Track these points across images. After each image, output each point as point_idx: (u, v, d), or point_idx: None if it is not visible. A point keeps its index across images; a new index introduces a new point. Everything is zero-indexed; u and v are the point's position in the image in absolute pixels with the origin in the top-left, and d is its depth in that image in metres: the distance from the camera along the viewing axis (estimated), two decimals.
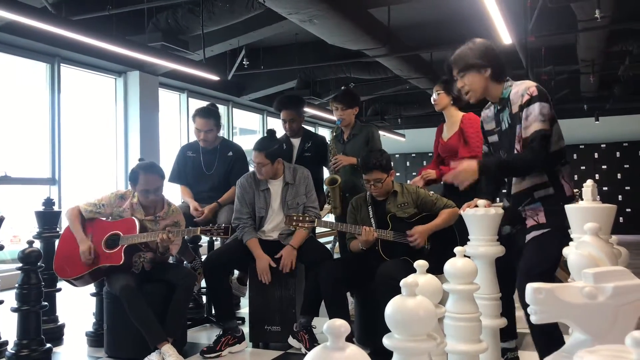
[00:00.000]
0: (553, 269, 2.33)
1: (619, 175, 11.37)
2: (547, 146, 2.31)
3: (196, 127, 3.94)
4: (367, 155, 3.35)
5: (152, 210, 3.34)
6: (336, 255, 5.14)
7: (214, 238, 3.72)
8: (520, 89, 2.40)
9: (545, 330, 2.21)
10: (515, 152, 2.40)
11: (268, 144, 3.41)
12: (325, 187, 4.06)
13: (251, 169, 3.85)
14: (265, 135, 3.58)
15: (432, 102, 3.77)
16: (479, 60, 2.43)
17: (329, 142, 4.15)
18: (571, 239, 2.29)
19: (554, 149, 2.36)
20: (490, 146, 2.67)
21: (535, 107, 2.30)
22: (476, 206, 2.34)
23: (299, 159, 4.05)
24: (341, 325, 0.95)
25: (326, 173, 4.33)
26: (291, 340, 3.26)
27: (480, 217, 2.25)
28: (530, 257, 2.32)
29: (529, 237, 2.38)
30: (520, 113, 2.36)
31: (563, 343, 2.37)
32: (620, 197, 11.12)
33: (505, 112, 2.48)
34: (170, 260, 3.60)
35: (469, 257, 1.91)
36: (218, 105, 4.25)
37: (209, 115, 3.94)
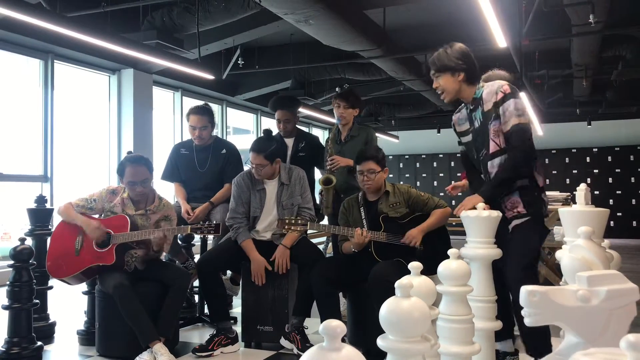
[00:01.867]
0: (535, 259, 2.53)
1: (610, 180, 11.45)
2: (527, 137, 2.48)
3: (190, 125, 3.93)
4: (363, 148, 3.40)
5: (143, 204, 3.32)
6: (328, 256, 5.14)
7: (205, 236, 3.69)
8: (493, 88, 2.55)
9: (536, 333, 2.25)
10: (492, 144, 2.54)
11: (266, 145, 3.38)
12: (319, 187, 4.06)
13: (246, 168, 3.84)
14: (262, 135, 3.55)
15: None
16: (454, 63, 2.57)
17: (326, 142, 4.14)
18: (548, 230, 2.50)
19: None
20: (465, 146, 2.81)
21: (511, 103, 2.47)
22: (474, 208, 2.34)
23: (293, 160, 4.05)
24: (337, 326, 0.95)
25: (317, 174, 4.33)
26: (283, 341, 3.26)
27: (479, 219, 2.25)
28: (515, 249, 2.47)
29: (511, 226, 2.54)
30: (493, 110, 2.52)
31: (550, 345, 2.41)
32: (611, 201, 11.20)
33: (477, 111, 2.63)
34: (163, 259, 3.59)
35: (462, 258, 1.92)
36: (212, 104, 4.25)
37: (204, 112, 3.94)
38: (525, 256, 2.46)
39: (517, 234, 2.51)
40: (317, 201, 4.03)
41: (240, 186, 3.49)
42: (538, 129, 9.91)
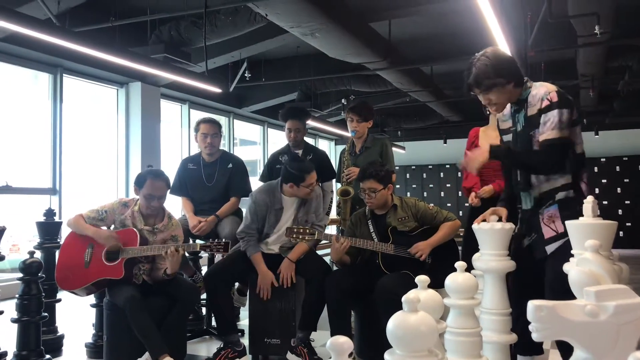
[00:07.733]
0: None
1: (618, 190, 11.37)
2: (561, 153, 2.31)
3: (202, 133, 4.00)
4: (367, 164, 3.38)
5: (152, 220, 3.33)
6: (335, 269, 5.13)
7: (214, 254, 3.70)
8: (540, 92, 2.37)
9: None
10: None
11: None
12: (336, 198, 4.08)
13: (253, 180, 3.86)
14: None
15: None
16: (503, 77, 2.38)
17: (341, 154, 4.16)
18: None
19: (579, 151, 2.38)
20: (505, 145, 2.61)
21: (555, 114, 2.29)
22: (485, 220, 2.34)
23: None
24: (344, 342, 0.96)
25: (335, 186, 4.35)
26: (290, 356, 3.24)
27: (492, 231, 2.24)
28: (555, 272, 2.26)
29: (549, 249, 2.36)
30: (537, 116, 2.34)
31: None
32: (620, 211, 11.11)
33: (521, 113, 2.46)
34: None
35: (469, 271, 1.91)
36: (219, 117, 4.32)
37: (214, 121, 4.09)
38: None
39: (556, 257, 2.31)
40: (336, 213, 4.06)
41: (259, 204, 3.43)
42: None
